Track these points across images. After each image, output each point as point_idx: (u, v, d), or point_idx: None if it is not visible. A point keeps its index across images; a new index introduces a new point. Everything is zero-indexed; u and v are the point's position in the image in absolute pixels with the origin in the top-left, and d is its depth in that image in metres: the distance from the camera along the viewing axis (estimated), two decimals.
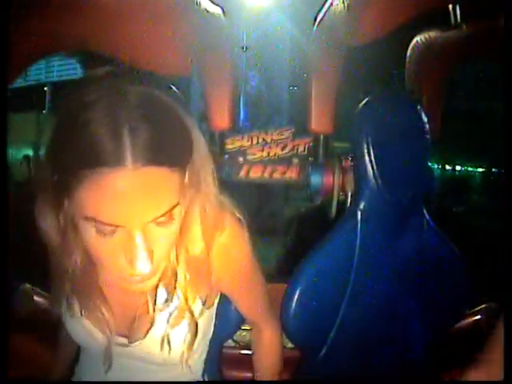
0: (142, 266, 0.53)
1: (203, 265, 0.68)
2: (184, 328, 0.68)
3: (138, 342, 0.69)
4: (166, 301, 0.67)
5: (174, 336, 0.68)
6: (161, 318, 0.68)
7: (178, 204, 0.55)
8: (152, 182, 0.51)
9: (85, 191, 0.49)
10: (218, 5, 0.99)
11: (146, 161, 0.49)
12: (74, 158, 0.50)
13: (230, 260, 0.71)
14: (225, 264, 0.70)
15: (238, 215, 0.71)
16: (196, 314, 0.69)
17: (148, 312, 0.68)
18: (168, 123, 0.55)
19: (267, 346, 0.86)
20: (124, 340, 0.70)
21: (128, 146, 0.49)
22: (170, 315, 0.68)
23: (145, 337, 0.68)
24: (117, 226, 0.52)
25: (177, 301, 0.67)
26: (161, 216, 0.53)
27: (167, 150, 0.52)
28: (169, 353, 0.68)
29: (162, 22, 0.56)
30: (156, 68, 0.58)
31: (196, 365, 0.79)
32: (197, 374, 0.81)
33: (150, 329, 0.68)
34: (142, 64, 0.57)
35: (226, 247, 0.69)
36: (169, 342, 0.68)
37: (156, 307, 0.68)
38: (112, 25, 0.54)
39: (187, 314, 0.68)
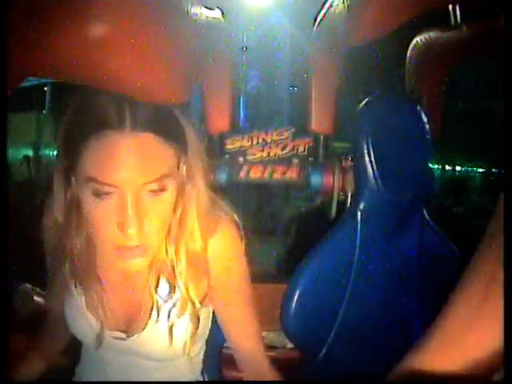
0: (131, 229, 0.57)
1: (202, 261, 0.69)
2: (186, 319, 0.70)
3: (135, 336, 0.69)
4: (169, 293, 0.69)
5: (177, 328, 0.69)
6: (162, 311, 0.69)
7: (170, 176, 0.61)
8: (148, 148, 0.58)
9: (89, 155, 0.57)
10: (217, 7, 0.99)
11: (143, 128, 0.57)
12: (83, 127, 0.58)
13: (225, 261, 0.71)
14: (219, 264, 0.71)
15: (235, 218, 0.72)
16: (197, 305, 0.70)
17: (148, 305, 0.69)
18: (165, 115, 0.61)
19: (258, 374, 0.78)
20: (122, 334, 0.71)
21: (128, 114, 0.57)
22: (172, 308, 0.69)
23: (143, 330, 0.69)
24: (112, 187, 0.57)
25: (178, 293, 0.69)
26: (153, 181, 0.58)
27: (164, 126, 0.60)
28: (171, 344, 0.69)
29: (158, 40, 0.55)
30: (153, 99, 0.60)
31: (197, 357, 0.80)
32: (197, 369, 0.82)
33: (148, 322, 0.69)
34: (138, 96, 0.58)
35: (221, 248, 0.70)
36: (171, 334, 0.69)
37: (157, 300, 0.69)
38: (101, 56, 0.52)
39: (189, 305, 0.69)
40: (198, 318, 0.70)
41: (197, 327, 0.70)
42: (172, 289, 0.69)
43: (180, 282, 0.68)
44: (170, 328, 0.69)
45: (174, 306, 0.69)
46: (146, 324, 0.69)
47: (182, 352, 0.71)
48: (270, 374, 0.77)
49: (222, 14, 1.01)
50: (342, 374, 1.01)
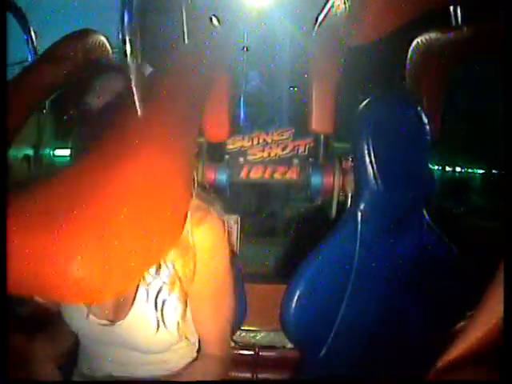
0: None
1: (189, 246, 0.71)
2: (174, 300, 0.71)
3: (122, 321, 0.71)
4: (156, 271, 0.71)
5: (166, 308, 0.71)
6: (151, 290, 0.71)
7: None
8: None
9: None
10: (214, 15, 0.99)
11: None
12: None
13: (204, 252, 0.73)
14: (199, 254, 0.72)
15: (222, 217, 0.75)
16: (185, 284, 0.72)
17: (133, 291, 0.71)
18: None
19: (199, 370, 0.78)
20: (109, 323, 0.72)
21: None
22: (162, 286, 0.71)
23: (130, 310, 0.71)
24: None
25: (166, 271, 0.71)
26: None
27: None
28: (164, 324, 0.70)
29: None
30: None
31: (193, 337, 0.80)
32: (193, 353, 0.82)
33: (135, 302, 0.71)
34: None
35: (203, 239, 0.72)
36: (162, 314, 0.71)
37: (145, 277, 0.71)
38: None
39: (177, 283, 0.71)
40: (186, 295, 0.72)
41: (185, 305, 0.72)
42: (159, 266, 0.71)
43: (168, 262, 0.70)
44: (161, 310, 0.71)
45: (163, 283, 0.71)
46: (133, 304, 0.71)
47: (177, 335, 0.72)
48: (224, 374, 0.79)
49: (218, 21, 1.01)
50: (341, 374, 1.01)
